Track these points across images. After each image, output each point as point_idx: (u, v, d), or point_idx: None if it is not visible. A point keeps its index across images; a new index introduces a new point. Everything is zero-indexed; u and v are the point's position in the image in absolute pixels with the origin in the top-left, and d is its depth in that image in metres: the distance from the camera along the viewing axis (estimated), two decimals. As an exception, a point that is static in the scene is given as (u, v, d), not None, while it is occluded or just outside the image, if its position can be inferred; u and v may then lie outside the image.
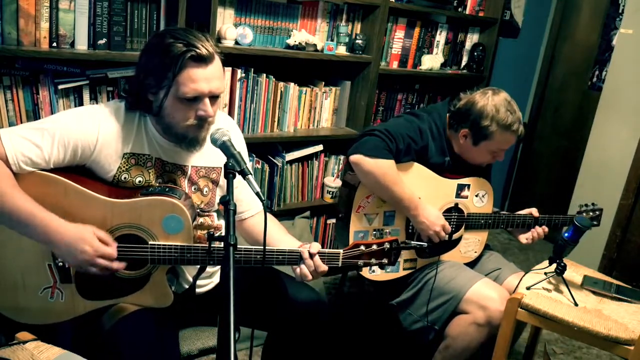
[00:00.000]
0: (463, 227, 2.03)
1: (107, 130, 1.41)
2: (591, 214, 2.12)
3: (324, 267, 1.49)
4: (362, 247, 1.55)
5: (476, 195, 2.03)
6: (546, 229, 2.06)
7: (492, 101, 1.87)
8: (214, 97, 1.43)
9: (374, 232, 1.95)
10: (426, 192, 1.93)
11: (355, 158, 1.83)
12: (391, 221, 1.97)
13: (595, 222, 2.11)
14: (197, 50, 1.36)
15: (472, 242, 2.06)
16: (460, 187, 2.00)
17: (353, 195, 1.90)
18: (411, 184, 1.89)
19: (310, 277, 1.49)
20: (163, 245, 1.41)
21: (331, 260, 1.52)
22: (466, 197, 2.02)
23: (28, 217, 1.29)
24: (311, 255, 1.48)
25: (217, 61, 1.41)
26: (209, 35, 1.43)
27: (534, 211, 2.07)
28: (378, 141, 1.81)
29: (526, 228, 2.07)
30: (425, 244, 1.65)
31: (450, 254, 2.02)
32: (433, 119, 1.98)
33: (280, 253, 1.49)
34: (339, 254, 1.53)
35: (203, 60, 1.38)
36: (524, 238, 2.06)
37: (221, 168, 1.57)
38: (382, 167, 1.81)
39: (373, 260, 1.56)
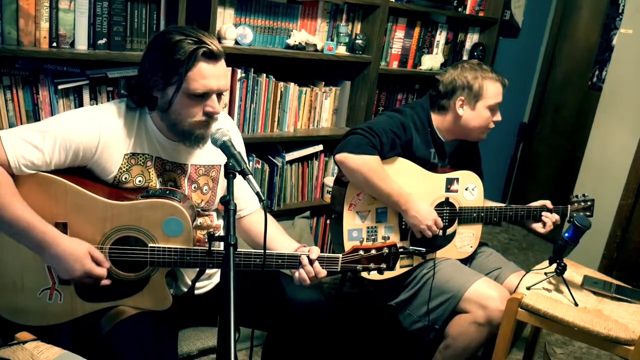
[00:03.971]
0: (456, 222, 2.03)
1: (109, 132, 1.41)
2: (582, 204, 2.16)
3: (323, 273, 1.50)
4: (361, 252, 1.55)
5: (466, 189, 2.04)
6: (557, 217, 2.09)
7: (469, 66, 2.00)
8: (219, 95, 1.44)
9: (368, 230, 1.95)
10: (416, 188, 1.94)
11: (340, 157, 1.85)
12: (384, 218, 1.97)
13: (588, 213, 2.15)
14: (209, 47, 1.37)
15: (466, 237, 2.06)
16: (449, 181, 2.01)
17: (344, 193, 1.91)
18: (400, 180, 1.90)
19: (308, 282, 1.49)
20: (163, 247, 1.41)
21: (330, 264, 1.52)
22: (456, 191, 2.02)
23: (26, 229, 1.29)
24: (310, 262, 1.48)
25: (223, 59, 1.43)
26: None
27: (548, 203, 2.09)
28: (361, 138, 1.83)
29: (538, 218, 2.09)
30: (424, 249, 1.65)
31: (446, 249, 2.02)
32: (416, 112, 2.01)
33: (279, 257, 1.49)
34: (338, 258, 1.53)
35: (214, 57, 1.39)
36: (540, 227, 2.09)
37: (220, 166, 1.57)
38: (367, 164, 1.82)
39: (372, 265, 1.57)
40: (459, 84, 1.97)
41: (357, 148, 1.82)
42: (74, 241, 1.34)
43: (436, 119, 2.02)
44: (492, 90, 1.97)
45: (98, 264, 1.36)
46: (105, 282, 1.38)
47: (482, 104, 1.97)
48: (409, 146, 1.95)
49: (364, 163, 1.82)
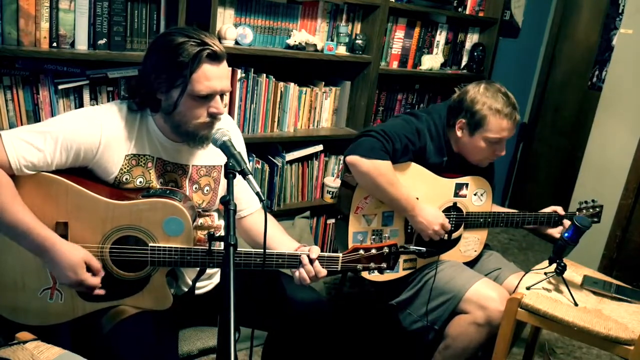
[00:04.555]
0: (462, 226, 2.03)
1: (110, 133, 1.41)
2: (591, 210, 2.12)
3: (323, 272, 1.50)
4: (361, 252, 1.55)
5: (475, 194, 2.03)
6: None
7: (484, 89, 1.89)
8: (222, 95, 1.45)
9: (373, 233, 1.95)
10: (424, 192, 1.93)
11: (351, 159, 1.83)
12: (390, 222, 1.97)
13: (595, 219, 2.11)
14: (212, 48, 1.37)
15: (471, 241, 2.06)
16: (459, 186, 2.00)
17: (351, 196, 1.90)
18: (409, 184, 1.89)
19: (309, 281, 1.49)
20: (163, 247, 1.41)
21: (330, 264, 1.52)
22: (465, 196, 2.01)
23: (25, 232, 1.29)
24: (311, 261, 1.48)
25: (225, 60, 1.43)
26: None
27: (559, 210, 2.07)
28: (374, 142, 1.81)
29: (552, 224, 2.06)
30: (424, 249, 1.65)
31: (450, 253, 2.02)
32: (432, 119, 1.98)
33: (280, 257, 1.49)
34: (338, 258, 1.53)
35: (217, 58, 1.39)
36: (557, 233, 2.05)
37: (221, 166, 1.57)
38: (378, 168, 1.81)
39: (372, 265, 1.56)
40: (465, 105, 1.89)
41: (370, 152, 1.80)
42: (71, 248, 1.33)
43: (448, 130, 2.00)
44: (495, 125, 1.85)
45: (94, 272, 1.36)
46: (99, 292, 1.38)
47: (480, 134, 1.88)
48: (422, 153, 1.93)
49: (375, 167, 1.80)
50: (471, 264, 2.10)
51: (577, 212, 2.10)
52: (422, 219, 1.88)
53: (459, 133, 1.94)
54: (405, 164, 1.91)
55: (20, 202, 1.30)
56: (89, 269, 1.35)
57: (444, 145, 1.99)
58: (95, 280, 1.36)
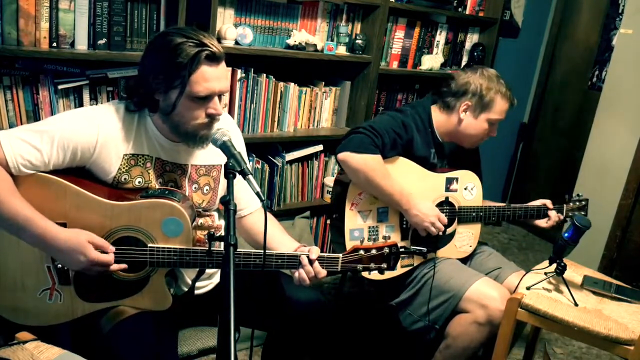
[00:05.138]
0: (456, 221, 2.04)
1: (107, 132, 1.41)
2: (577, 204, 2.19)
3: (323, 273, 1.50)
4: (362, 252, 1.55)
5: (465, 188, 2.04)
6: (562, 216, 2.14)
7: (487, 74, 1.98)
8: (220, 96, 1.44)
9: (369, 230, 1.95)
10: (416, 188, 1.94)
11: (342, 156, 1.85)
12: (385, 218, 1.97)
13: (582, 212, 2.18)
14: (211, 49, 1.37)
15: (466, 236, 2.06)
16: (449, 181, 2.02)
17: (345, 192, 1.91)
18: (401, 180, 1.90)
19: (308, 282, 1.49)
20: (162, 248, 1.41)
21: (330, 264, 1.52)
22: (455, 191, 2.03)
23: (25, 224, 1.29)
24: (310, 262, 1.48)
25: (224, 60, 1.43)
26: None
27: (548, 203, 2.12)
28: (363, 137, 1.83)
29: (540, 217, 2.12)
30: (425, 249, 1.65)
31: (446, 249, 2.03)
32: (417, 112, 2.01)
33: (279, 257, 1.49)
34: (338, 258, 1.53)
35: (215, 59, 1.39)
36: (543, 222, 2.12)
37: (221, 166, 1.57)
38: (369, 163, 1.82)
39: (372, 265, 1.56)
40: (472, 88, 1.95)
41: (360, 147, 1.82)
42: (73, 232, 1.33)
43: (437, 119, 2.02)
44: (500, 106, 1.96)
45: (103, 251, 1.35)
46: (117, 267, 1.37)
47: (485, 115, 1.96)
48: (409, 146, 1.95)
49: (366, 162, 1.82)
50: (472, 263, 2.10)
51: (565, 205, 2.16)
52: (416, 212, 1.89)
53: (462, 115, 1.97)
54: (397, 161, 1.93)
55: (18, 196, 1.30)
56: (97, 248, 1.34)
57: (430, 136, 2.01)
58: (108, 257, 1.35)
